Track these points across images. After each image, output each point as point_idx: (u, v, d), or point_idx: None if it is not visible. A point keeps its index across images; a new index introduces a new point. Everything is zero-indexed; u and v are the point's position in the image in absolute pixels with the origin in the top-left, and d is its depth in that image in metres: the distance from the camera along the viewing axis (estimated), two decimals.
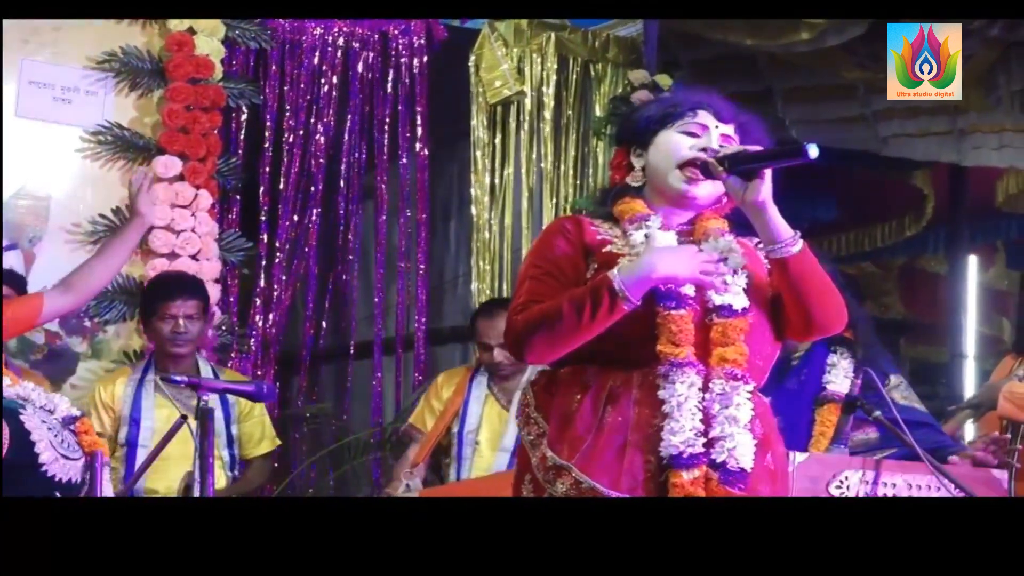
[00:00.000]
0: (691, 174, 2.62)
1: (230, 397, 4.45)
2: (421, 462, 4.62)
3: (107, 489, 3.36)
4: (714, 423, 2.52)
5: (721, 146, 2.63)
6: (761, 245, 2.64)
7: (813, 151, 2.51)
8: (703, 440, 2.50)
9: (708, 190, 2.65)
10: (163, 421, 4.52)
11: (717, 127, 2.67)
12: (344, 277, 6.07)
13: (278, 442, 4.84)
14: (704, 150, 2.62)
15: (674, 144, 2.65)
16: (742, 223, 2.68)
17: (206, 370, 4.63)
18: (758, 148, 2.60)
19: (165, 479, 4.23)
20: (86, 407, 4.61)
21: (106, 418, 4.55)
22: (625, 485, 2.48)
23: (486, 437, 4.61)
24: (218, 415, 4.53)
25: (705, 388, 2.54)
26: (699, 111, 2.68)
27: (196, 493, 3.82)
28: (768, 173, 2.55)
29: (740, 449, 2.51)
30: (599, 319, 2.51)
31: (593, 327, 2.52)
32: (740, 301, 2.58)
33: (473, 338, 4.78)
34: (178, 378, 3.77)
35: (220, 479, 4.51)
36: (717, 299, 2.57)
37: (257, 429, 4.73)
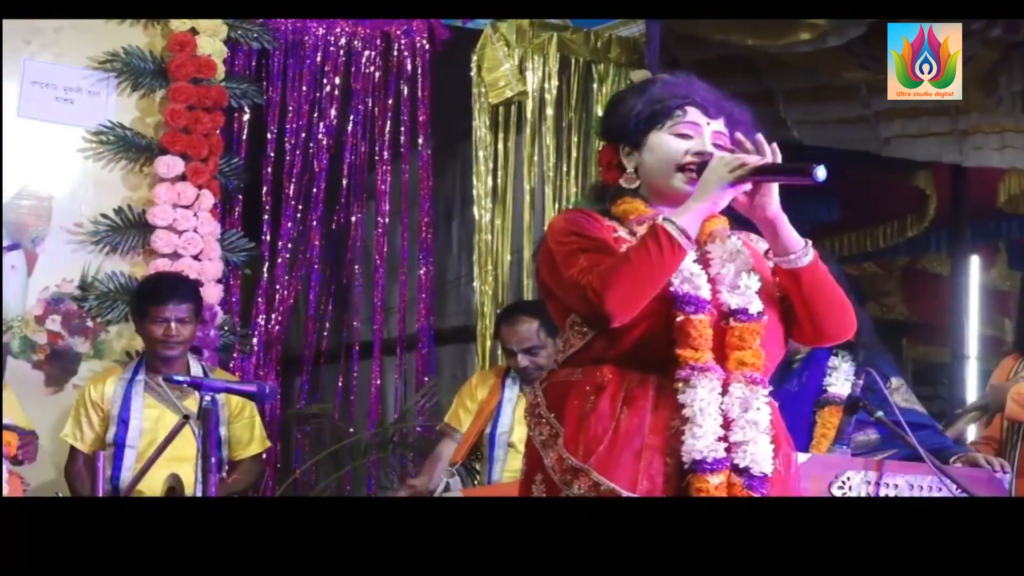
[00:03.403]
0: (692, 176, 2.58)
1: (220, 398, 4.38)
2: (459, 461, 4.64)
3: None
4: (734, 427, 2.51)
5: (715, 145, 2.60)
6: (771, 255, 2.62)
7: (821, 173, 2.42)
8: (724, 445, 2.49)
9: None
10: (152, 421, 4.50)
11: (708, 124, 2.63)
12: (346, 277, 6.07)
13: (268, 444, 4.79)
14: (699, 154, 2.59)
15: (668, 148, 2.61)
16: (740, 218, 2.67)
17: (196, 370, 4.59)
18: (759, 160, 2.52)
19: (147, 480, 4.04)
20: (75, 405, 4.61)
21: (95, 417, 4.54)
22: (643, 487, 2.47)
23: (519, 439, 4.61)
24: None
25: (722, 392, 2.53)
26: (688, 108, 2.63)
27: (181, 494, 3.81)
28: (775, 188, 2.52)
29: (760, 454, 2.51)
30: (667, 263, 2.48)
31: (664, 270, 2.49)
32: (755, 305, 2.56)
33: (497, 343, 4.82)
34: (180, 378, 3.77)
35: None
36: (733, 303, 2.56)
37: (247, 431, 4.68)
